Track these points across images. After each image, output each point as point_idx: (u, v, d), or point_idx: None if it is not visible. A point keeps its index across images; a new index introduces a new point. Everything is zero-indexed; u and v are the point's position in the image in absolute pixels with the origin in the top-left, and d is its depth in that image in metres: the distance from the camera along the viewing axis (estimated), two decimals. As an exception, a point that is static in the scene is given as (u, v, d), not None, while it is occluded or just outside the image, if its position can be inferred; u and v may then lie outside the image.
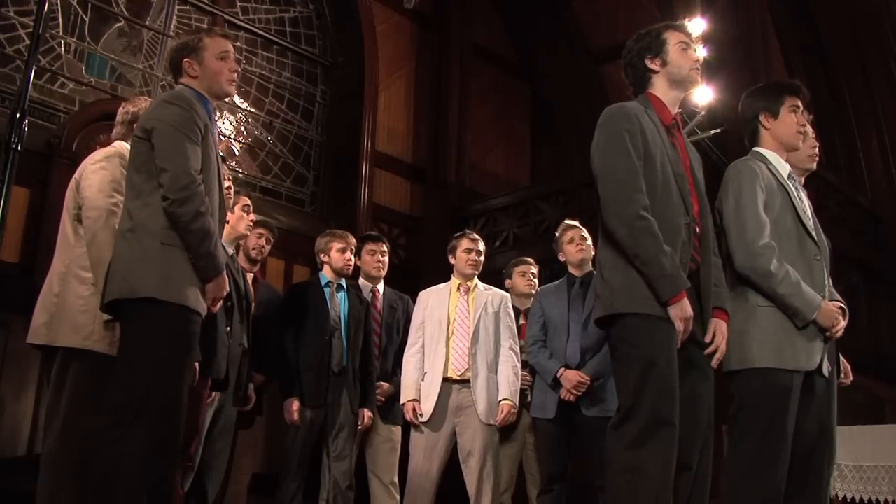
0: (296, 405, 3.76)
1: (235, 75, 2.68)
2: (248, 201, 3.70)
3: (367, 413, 3.91)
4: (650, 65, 2.50)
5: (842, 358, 2.95)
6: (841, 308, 2.62)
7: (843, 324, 2.60)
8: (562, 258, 3.94)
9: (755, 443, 2.47)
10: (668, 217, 2.33)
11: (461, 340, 3.80)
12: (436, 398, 3.71)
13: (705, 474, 2.33)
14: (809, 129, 2.90)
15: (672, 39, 2.50)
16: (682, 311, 2.23)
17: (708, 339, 2.38)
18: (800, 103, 2.76)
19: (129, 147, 2.79)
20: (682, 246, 2.33)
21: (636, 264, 2.25)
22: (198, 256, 2.39)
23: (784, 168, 2.73)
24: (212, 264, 2.43)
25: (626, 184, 2.30)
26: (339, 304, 3.96)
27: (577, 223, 3.95)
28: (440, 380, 3.74)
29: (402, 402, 3.81)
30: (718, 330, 2.39)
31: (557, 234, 3.99)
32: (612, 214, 2.30)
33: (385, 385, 4.05)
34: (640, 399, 2.19)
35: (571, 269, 3.89)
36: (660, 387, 2.19)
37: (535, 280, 4.29)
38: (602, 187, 2.35)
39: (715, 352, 2.38)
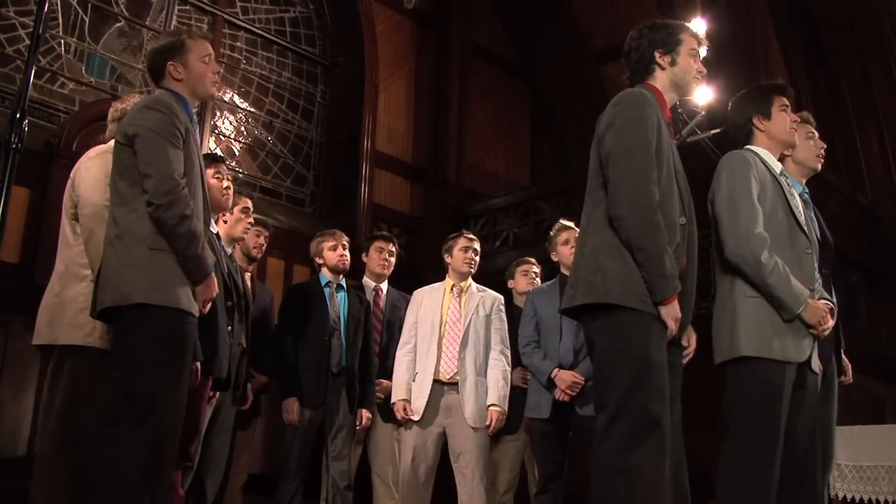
0: (294, 405, 3.76)
1: (217, 76, 2.70)
2: (249, 203, 3.68)
3: (365, 413, 3.92)
4: (659, 59, 2.47)
5: (844, 357, 2.95)
6: (829, 308, 2.61)
7: (830, 323, 2.58)
8: (554, 258, 3.93)
9: (748, 439, 2.46)
10: (669, 215, 2.30)
11: (451, 343, 3.80)
12: (426, 398, 3.71)
13: (683, 472, 2.33)
14: (815, 131, 2.93)
15: (687, 43, 2.49)
16: (674, 311, 2.23)
17: (685, 343, 2.44)
18: (787, 102, 2.79)
19: None
20: (677, 247, 2.31)
21: (638, 257, 2.21)
22: (185, 259, 2.40)
23: (776, 165, 2.74)
24: (200, 267, 2.44)
25: (642, 172, 2.25)
26: (338, 304, 3.97)
27: (572, 224, 3.91)
28: (431, 380, 3.73)
29: (392, 400, 3.82)
30: (693, 334, 2.48)
31: (552, 233, 3.98)
32: (622, 201, 2.24)
33: (385, 383, 4.05)
34: (633, 399, 2.16)
35: (563, 270, 3.88)
36: (653, 387, 2.17)
37: (538, 279, 4.27)
38: (615, 171, 2.27)
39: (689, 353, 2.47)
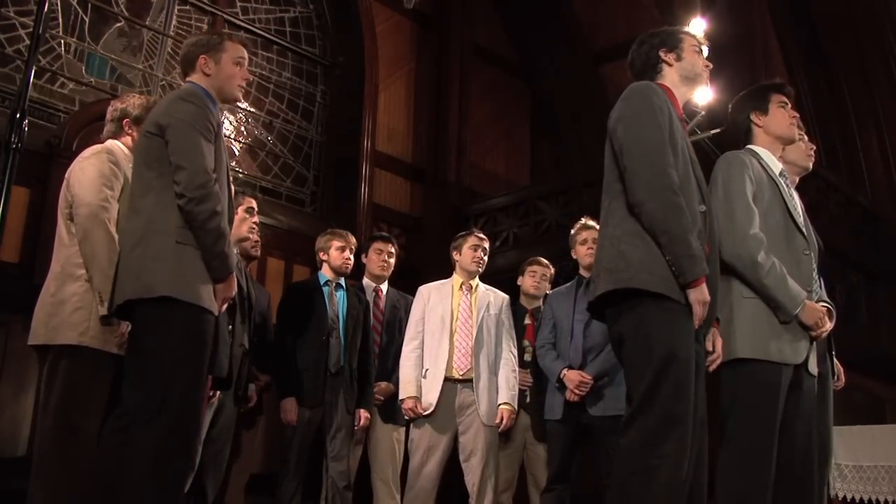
0: (293, 405, 3.76)
1: (245, 83, 2.69)
2: (254, 203, 3.67)
3: (363, 413, 3.92)
4: (664, 56, 2.50)
5: (836, 360, 2.95)
6: (827, 310, 2.60)
7: (828, 325, 2.58)
8: (574, 256, 3.93)
9: (744, 440, 2.46)
10: (689, 203, 2.28)
11: (464, 339, 3.79)
12: (438, 394, 3.71)
13: (702, 470, 2.32)
14: (805, 134, 2.94)
15: (688, 40, 2.53)
16: (702, 294, 2.19)
17: (709, 347, 2.37)
18: (786, 99, 2.79)
19: (118, 144, 2.78)
20: (699, 233, 2.28)
21: (662, 240, 2.18)
22: (212, 256, 2.38)
23: (776, 165, 2.74)
24: (225, 264, 2.42)
25: (658, 156, 2.24)
26: (337, 303, 3.97)
27: (594, 224, 3.82)
28: (443, 377, 3.73)
29: (401, 398, 3.80)
30: (718, 338, 2.40)
31: (573, 231, 3.96)
32: (641, 186, 2.22)
33: (383, 384, 4.05)
34: (655, 396, 2.13)
35: (581, 270, 3.87)
36: (677, 383, 2.14)
37: (545, 282, 4.24)
38: (630, 159, 2.26)
39: (716, 358, 2.39)
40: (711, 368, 2.38)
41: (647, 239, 2.21)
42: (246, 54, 2.68)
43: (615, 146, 2.34)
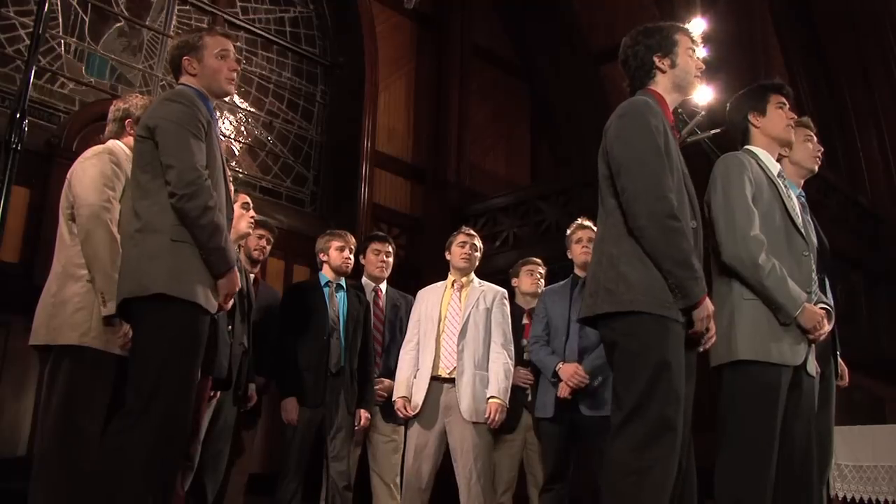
0: (293, 404, 3.76)
1: (235, 74, 2.67)
2: (248, 199, 3.70)
3: (364, 413, 3.92)
4: (658, 63, 2.46)
5: (840, 360, 2.95)
6: (826, 311, 2.60)
7: (826, 328, 2.58)
8: (569, 255, 3.94)
9: (744, 441, 2.46)
10: (683, 220, 2.28)
11: (451, 338, 3.77)
12: (423, 394, 3.70)
13: (691, 472, 2.33)
14: (814, 135, 2.93)
15: (682, 43, 2.48)
16: (707, 309, 2.23)
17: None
18: (785, 100, 2.78)
19: (120, 145, 2.79)
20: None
21: (665, 265, 2.20)
22: (208, 251, 2.38)
23: (774, 166, 2.74)
24: (223, 259, 2.41)
25: (656, 180, 2.24)
26: (337, 304, 3.97)
27: (589, 224, 3.84)
28: (429, 376, 3.72)
29: (393, 398, 3.82)
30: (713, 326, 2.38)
31: (568, 231, 3.96)
32: (642, 213, 2.22)
33: (386, 381, 4.05)
34: (649, 401, 2.16)
35: (576, 270, 3.86)
36: (670, 390, 2.17)
37: (542, 280, 4.26)
38: (629, 181, 2.26)
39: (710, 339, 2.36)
40: (704, 347, 2.37)
41: (647, 261, 2.23)
42: (229, 45, 2.66)
43: (612, 165, 2.34)
